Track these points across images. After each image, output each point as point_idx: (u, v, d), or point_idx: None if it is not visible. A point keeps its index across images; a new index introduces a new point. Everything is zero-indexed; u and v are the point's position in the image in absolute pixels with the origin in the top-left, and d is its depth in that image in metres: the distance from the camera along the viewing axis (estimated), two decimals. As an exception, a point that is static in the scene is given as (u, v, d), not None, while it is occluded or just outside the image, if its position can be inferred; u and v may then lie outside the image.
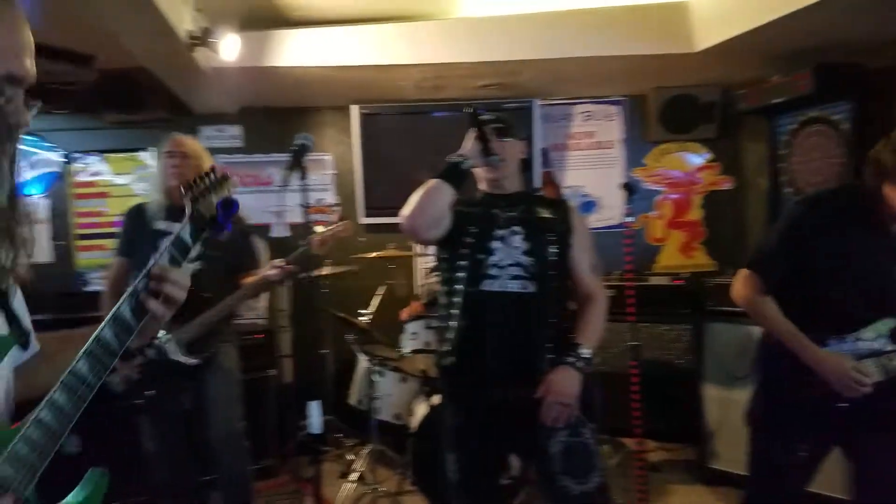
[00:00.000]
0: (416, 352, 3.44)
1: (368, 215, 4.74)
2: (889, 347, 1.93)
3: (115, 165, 4.72)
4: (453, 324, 2.02)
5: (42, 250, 4.57)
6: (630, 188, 3.04)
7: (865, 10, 2.99)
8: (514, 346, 1.97)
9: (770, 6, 3.11)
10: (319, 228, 2.88)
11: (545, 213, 2.10)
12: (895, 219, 1.92)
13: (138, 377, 2.42)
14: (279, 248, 4.38)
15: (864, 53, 3.57)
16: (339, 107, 4.72)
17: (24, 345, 1.08)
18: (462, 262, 2.03)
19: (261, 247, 3.39)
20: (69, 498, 1.02)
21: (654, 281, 4.25)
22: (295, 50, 3.80)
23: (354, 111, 4.67)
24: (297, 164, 2.28)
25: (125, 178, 4.72)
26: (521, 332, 1.97)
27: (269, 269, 2.70)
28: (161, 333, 2.51)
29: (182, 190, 1.16)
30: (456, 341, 2.01)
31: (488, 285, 2.00)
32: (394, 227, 4.56)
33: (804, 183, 3.97)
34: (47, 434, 0.94)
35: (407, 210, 2.00)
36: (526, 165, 2.24)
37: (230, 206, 1.16)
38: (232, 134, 4.79)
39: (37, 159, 4.61)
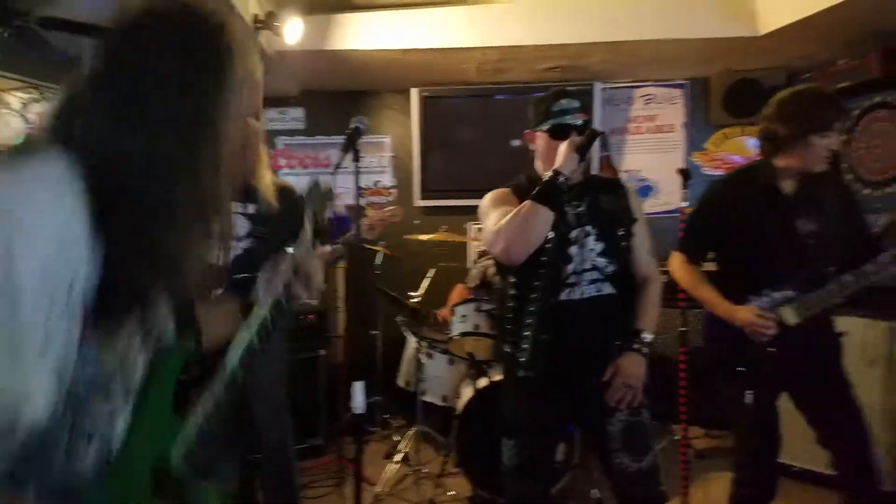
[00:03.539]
0: (464, 334, 3.48)
1: (425, 198, 4.81)
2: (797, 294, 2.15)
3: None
4: (527, 334, 1.94)
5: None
6: (686, 173, 3.02)
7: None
8: (589, 348, 1.97)
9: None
10: (371, 212, 2.92)
11: (611, 204, 2.02)
12: (788, 176, 2.22)
13: None
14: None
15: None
16: (401, 90, 4.79)
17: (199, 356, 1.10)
18: (540, 271, 1.93)
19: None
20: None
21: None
22: (358, 34, 3.87)
23: (414, 94, 4.72)
24: (352, 146, 2.32)
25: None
26: (598, 333, 1.97)
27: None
28: None
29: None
30: (532, 353, 1.93)
31: (567, 294, 1.95)
32: (449, 210, 4.73)
33: (865, 170, 3.82)
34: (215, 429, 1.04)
35: (502, 240, 1.87)
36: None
37: (342, 223, 1.31)
38: (294, 116, 4.93)
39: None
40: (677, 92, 4.74)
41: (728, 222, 2.28)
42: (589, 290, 1.95)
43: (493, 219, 1.96)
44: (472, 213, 4.66)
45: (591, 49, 3.95)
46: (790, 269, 2.17)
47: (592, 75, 4.53)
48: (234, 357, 1.06)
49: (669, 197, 4.63)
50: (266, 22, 3.34)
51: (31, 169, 0.78)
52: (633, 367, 1.95)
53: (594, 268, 1.96)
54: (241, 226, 2.66)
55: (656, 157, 4.72)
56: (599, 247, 1.96)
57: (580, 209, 1.99)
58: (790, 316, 2.15)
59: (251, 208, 2.68)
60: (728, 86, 4.47)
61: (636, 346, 1.97)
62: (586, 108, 2.01)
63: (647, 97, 4.76)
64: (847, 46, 3.61)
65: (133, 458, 0.92)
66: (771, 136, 2.23)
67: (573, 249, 1.95)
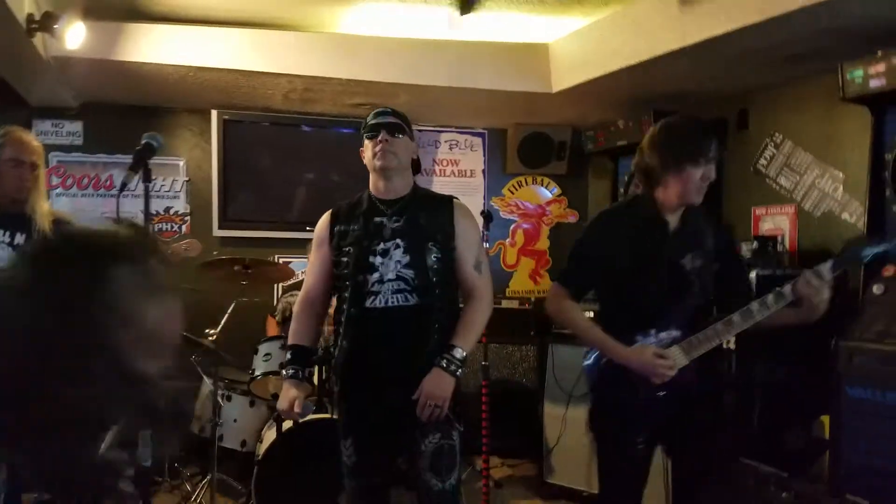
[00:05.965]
0: (268, 374, 3.29)
1: (224, 227, 4.50)
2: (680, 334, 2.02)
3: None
4: (342, 344, 2.09)
5: None
6: (489, 216, 3.21)
7: (697, 67, 3.38)
8: (398, 358, 2.03)
9: (616, 57, 3.42)
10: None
11: (428, 220, 2.10)
12: (670, 209, 2.05)
13: None
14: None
15: (697, 105, 4.02)
16: (198, 109, 4.48)
17: None
18: (346, 283, 2.07)
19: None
20: None
21: (506, 304, 4.40)
22: (152, 46, 3.55)
23: (215, 116, 4.44)
24: (141, 165, 2.08)
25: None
26: (405, 343, 2.03)
27: None
28: None
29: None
30: (340, 363, 2.10)
31: (371, 302, 2.04)
32: (251, 242, 4.47)
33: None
34: None
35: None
36: (416, 167, 2.24)
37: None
38: (70, 130, 4.37)
39: None
40: (478, 140, 5.06)
41: (615, 256, 2.05)
42: (393, 300, 2.04)
43: (307, 271, 2.29)
44: (276, 244, 4.58)
45: (396, 89, 4.01)
46: (676, 307, 2.02)
47: (401, 115, 4.64)
48: None
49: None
50: (43, 23, 2.93)
51: None
52: (436, 384, 1.99)
53: (399, 278, 2.04)
54: (5, 257, 2.38)
55: (461, 200, 4.95)
56: (406, 259, 2.05)
57: (397, 224, 2.09)
58: (679, 357, 1.98)
59: (20, 238, 2.43)
60: (522, 137, 4.88)
61: (444, 362, 2.00)
62: (399, 116, 2.13)
63: (451, 142, 5.02)
64: (625, 108, 4.12)
65: None
66: (645, 169, 2.06)
67: (378, 260, 2.05)
